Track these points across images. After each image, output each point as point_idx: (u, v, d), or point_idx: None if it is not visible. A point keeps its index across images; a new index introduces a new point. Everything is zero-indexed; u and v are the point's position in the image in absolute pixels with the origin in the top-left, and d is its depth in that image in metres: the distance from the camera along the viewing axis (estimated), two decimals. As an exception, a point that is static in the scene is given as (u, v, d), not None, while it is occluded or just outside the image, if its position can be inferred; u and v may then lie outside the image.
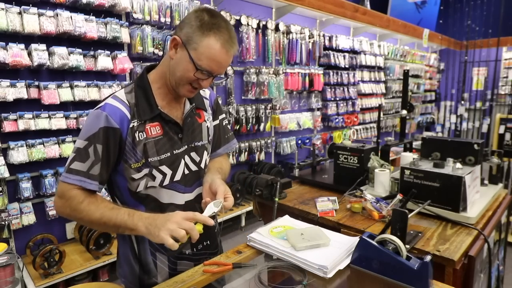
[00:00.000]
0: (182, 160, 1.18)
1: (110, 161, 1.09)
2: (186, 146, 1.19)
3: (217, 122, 1.35)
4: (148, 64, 1.31)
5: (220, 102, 3.75)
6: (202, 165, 1.25)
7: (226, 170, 1.35)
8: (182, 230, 0.93)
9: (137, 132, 1.10)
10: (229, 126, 1.42)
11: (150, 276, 1.21)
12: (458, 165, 1.54)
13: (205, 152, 1.26)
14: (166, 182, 1.16)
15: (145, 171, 1.13)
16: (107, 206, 1.05)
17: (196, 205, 1.23)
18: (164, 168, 1.14)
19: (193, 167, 1.22)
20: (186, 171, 1.20)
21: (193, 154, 1.21)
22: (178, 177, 1.18)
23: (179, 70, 1.08)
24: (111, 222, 1.02)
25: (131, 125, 1.09)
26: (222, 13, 3.68)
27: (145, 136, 1.11)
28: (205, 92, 1.34)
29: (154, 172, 1.13)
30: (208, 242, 1.31)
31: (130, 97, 1.12)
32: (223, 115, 1.39)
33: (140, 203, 1.17)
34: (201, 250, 1.28)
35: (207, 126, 1.28)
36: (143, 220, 0.99)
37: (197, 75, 1.07)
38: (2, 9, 2.33)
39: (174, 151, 1.16)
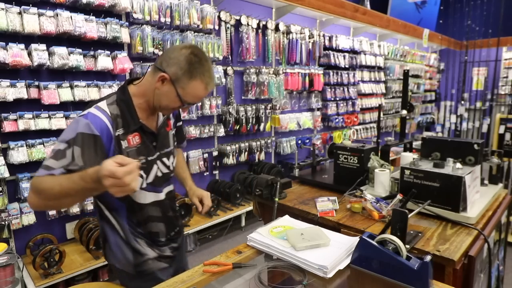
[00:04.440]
0: (155, 165, 1.34)
1: (87, 165, 1.09)
2: (158, 153, 1.35)
3: (180, 123, 1.59)
4: (129, 78, 1.45)
5: (220, 102, 3.78)
6: (171, 168, 1.44)
7: (184, 161, 1.76)
8: (121, 181, 0.90)
9: (121, 140, 1.23)
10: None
11: (142, 255, 1.36)
12: (458, 165, 1.54)
13: (172, 156, 1.44)
14: (144, 185, 1.30)
15: None
16: (62, 177, 1.06)
17: (166, 202, 1.41)
18: (141, 172, 1.27)
19: (164, 170, 1.39)
20: (159, 174, 1.37)
21: (164, 159, 1.39)
22: (150, 179, 1.33)
23: (166, 101, 1.24)
24: (73, 191, 1.03)
25: (116, 134, 1.20)
26: (222, 13, 3.69)
27: (127, 145, 1.24)
28: None
29: None
30: (178, 228, 1.50)
31: (113, 108, 1.22)
32: (181, 121, 1.64)
33: (122, 202, 1.30)
34: (173, 236, 1.46)
35: (172, 133, 1.47)
36: (94, 180, 0.96)
37: (183, 106, 1.27)
38: (2, 9, 2.33)
39: (149, 158, 1.31)
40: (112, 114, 1.20)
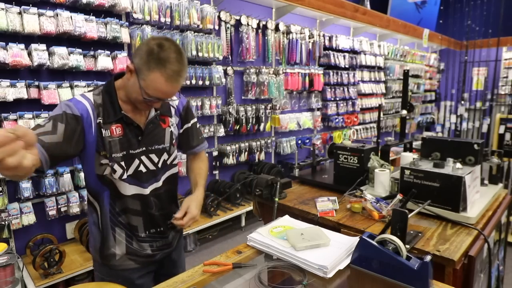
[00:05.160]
0: (137, 159, 1.31)
1: (71, 142, 1.17)
2: (144, 148, 1.33)
3: (189, 125, 1.52)
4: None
5: (220, 102, 3.77)
6: (160, 165, 1.38)
7: (205, 169, 1.60)
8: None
9: (103, 129, 1.25)
10: (201, 130, 1.57)
11: (108, 247, 1.35)
12: (458, 165, 1.54)
13: (165, 154, 1.39)
14: (124, 176, 1.30)
15: (110, 163, 1.27)
16: None
17: (151, 199, 1.36)
18: (122, 163, 1.28)
19: (151, 167, 1.35)
20: (144, 170, 1.34)
21: (151, 155, 1.35)
22: (130, 172, 1.31)
23: (133, 92, 1.22)
24: None
25: (98, 121, 1.24)
26: (222, 13, 3.68)
27: (109, 134, 1.26)
28: (174, 101, 1.45)
29: (115, 166, 1.27)
30: (162, 228, 1.43)
31: (97, 98, 1.27)
32: (195, 119, 1.56)
33: (107, 187, 1.30)
34: (154, 234, 1.41)
35: (171, 131, 1.42)
36: None
37: (146, 100, 1.21)
38: (2, 9, 2.33)
39: (130, 151, 1.30)
40: (96, 102, 1.25)
